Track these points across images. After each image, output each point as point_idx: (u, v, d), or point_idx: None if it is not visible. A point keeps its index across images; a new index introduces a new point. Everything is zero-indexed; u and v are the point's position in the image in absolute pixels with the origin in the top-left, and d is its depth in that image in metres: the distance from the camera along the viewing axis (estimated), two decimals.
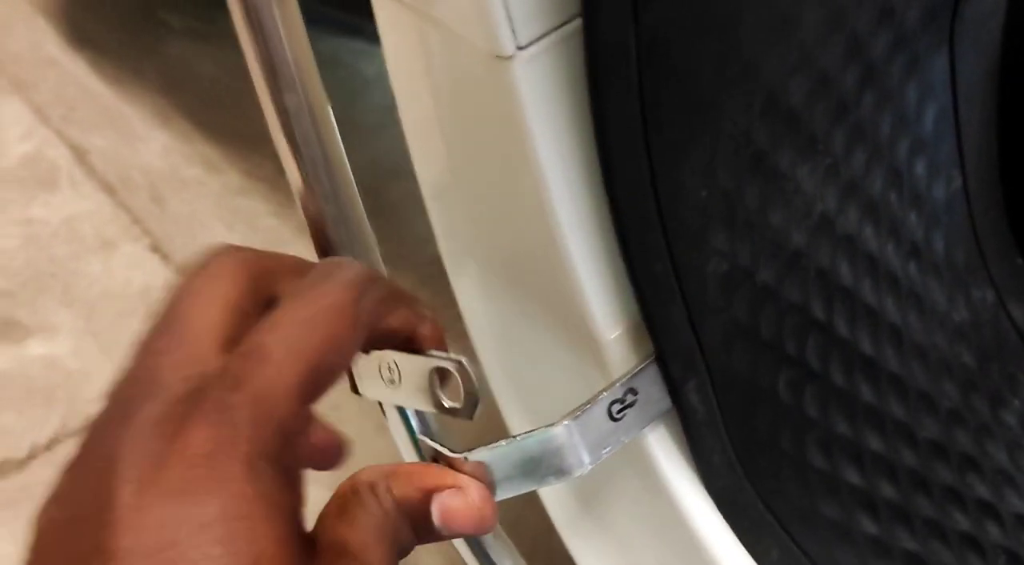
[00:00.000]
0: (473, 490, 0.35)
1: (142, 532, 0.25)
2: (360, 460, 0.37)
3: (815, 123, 0.39)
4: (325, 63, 0.39)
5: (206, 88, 1.15)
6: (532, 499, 0.52)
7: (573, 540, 0.54)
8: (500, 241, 0.44)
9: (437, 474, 0.36)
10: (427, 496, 0.35)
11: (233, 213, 1.05)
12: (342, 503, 0.33)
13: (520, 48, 0.32)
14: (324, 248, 0.41)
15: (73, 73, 1.16)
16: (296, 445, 0.29)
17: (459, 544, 0.49)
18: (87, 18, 1.22)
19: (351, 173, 0.40)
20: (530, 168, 0.36)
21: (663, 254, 0.37)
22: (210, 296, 0.31)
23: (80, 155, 1.09)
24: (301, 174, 0.40)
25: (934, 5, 0.41)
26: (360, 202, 0.41)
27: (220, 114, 1.12)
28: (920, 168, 0.46)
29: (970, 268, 0.52)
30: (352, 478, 0.34)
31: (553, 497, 0.52)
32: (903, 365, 0.49)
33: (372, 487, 0.34)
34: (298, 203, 0.41)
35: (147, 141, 1.11)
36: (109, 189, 1.07)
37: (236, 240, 1.03)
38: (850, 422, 0.47)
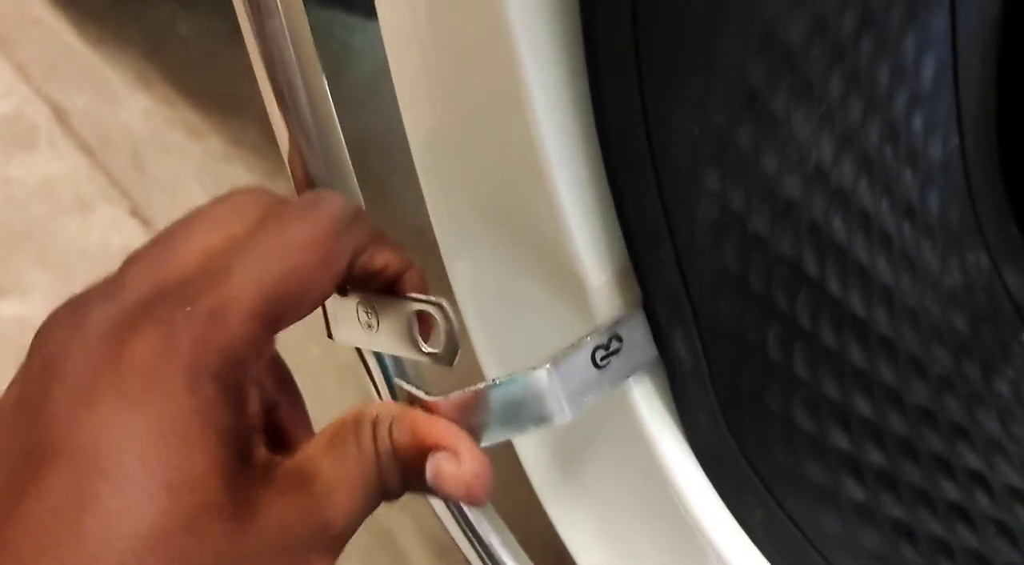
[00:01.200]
0: (467, 460, 0.34)
1: (76, 433, 0.24)
2: (322, 415, 0.36)
3: (811, 66, 0.38)
4: (313, 34, 0.38)
5: (190, 52, 1.13)
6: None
7: (554, 506, 0.53)
8: (489, 186, 0.42)
9: (440, 431, 0.35)
10: (424, 451, 0.33)
11: (215, 179, 1.03)
12: (338, 431, 0.32)
13: None
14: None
15: (56, 32, 1.14)
16: (251, 369, 0.28)
17: (443, 515, 0.48)
18: None
19: (340, 131, 0.39)
20: (520, 100, 0.34)
21: (652, 191, 0.36)
22: (212, 223, 0.31)
23: (60, 115, 1.07)
24: (289, 130, 0.38)
25: None
26: (348, 158, 0.40)
27: (203, 78, 1.09)
28: (917, 123, 0.45)
29: (965, 231, 0.51)
30: (359, 409, 0.33)
31: (534, 459, 0.51)
32: (894, 328, 0.48)
33: (375, 424, 0.33)
34: (285, 159, 0.40)
35: (128, 103, 1.09)
36: (88, 150, 1.05)
37: None
38: (839, 384, 0.46)
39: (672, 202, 0.36)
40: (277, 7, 0.36)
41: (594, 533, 0.51)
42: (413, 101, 0.41)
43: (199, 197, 1.05)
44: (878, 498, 0.48)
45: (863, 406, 0.47)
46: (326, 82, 0.39)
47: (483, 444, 0.38)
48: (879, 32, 0.40)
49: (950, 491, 0.50)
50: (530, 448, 0.51)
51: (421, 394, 0.38)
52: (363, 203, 0.41)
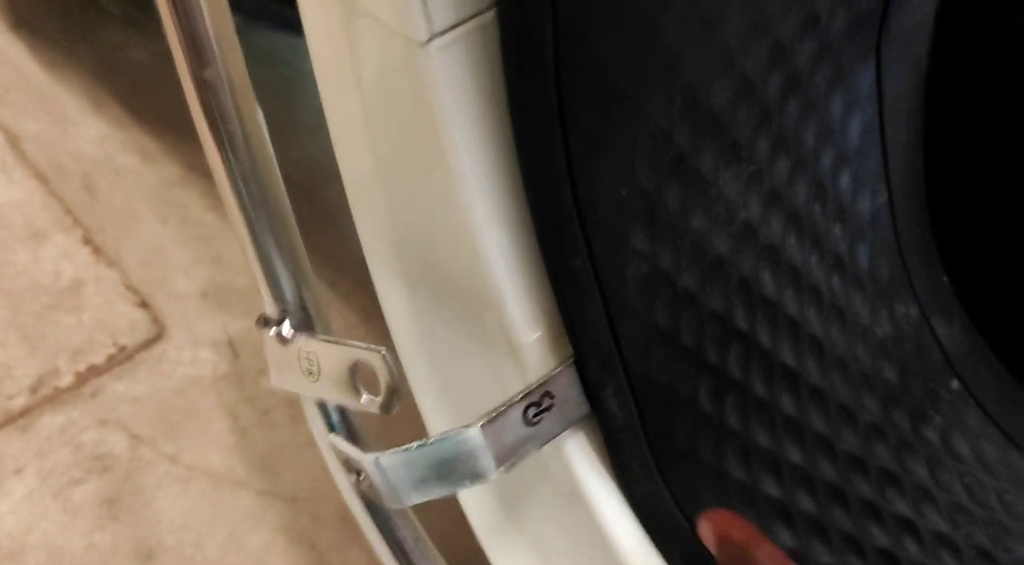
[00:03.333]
0: None
1: None
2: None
3: (738, 128, 0.39)
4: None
5: (143, 75, 1.12)
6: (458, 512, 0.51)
7: (494, 550, 0.53)
8: (421, 239, 0.43)
9: None
10: None
11: (168, 205, 1.03)
12: None
13: (436, 34, 0.31)
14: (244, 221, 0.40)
15: (9, 55, 1.13)
16: None
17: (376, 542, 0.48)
18: (25, 1, 1.19)
19: (272, 151, 0.39)
20: (446, 159, 0.35)
21: (581, 249, 0.36)
22: None
23: (13, 141, 1.06)
24: (221, 154, 0.39)
25: (860, 16, 0.41)
26: (280, 181, 0.40)
27: (157, 102, 1.09)
28: (845, 181, 0.46)
29: (894, 283, 0.52)
30: None
31: (473, 502, 0.51)
32: (824, 377, 0.49)
33: None
34: (218, 184, 0.40)
35: (81, 127, 1.08)
36: (41, 177, 1.04)
37: (170, 235, 1.01)
38: (770, 433, 0.47)
39: (601, 261, 0.37)
40: (215, 53, 0.37)
41: None
42: (347, 153, 0.42)
43: (151, 223, 1.05)
44: (809, 545, 0.49)
45: (794, 454, 0.48)
46: (263, 119, 0.39)
47: (419, 500, 0.39)
48: (805, 93, 0.41)
49: (880, 538, 0.51)
50: (471, 495, 0.51)
51: (353, 451, 0.39)
52: (298, 234, 0.41)
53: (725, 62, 0.36)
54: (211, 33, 0.36)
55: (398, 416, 0.49)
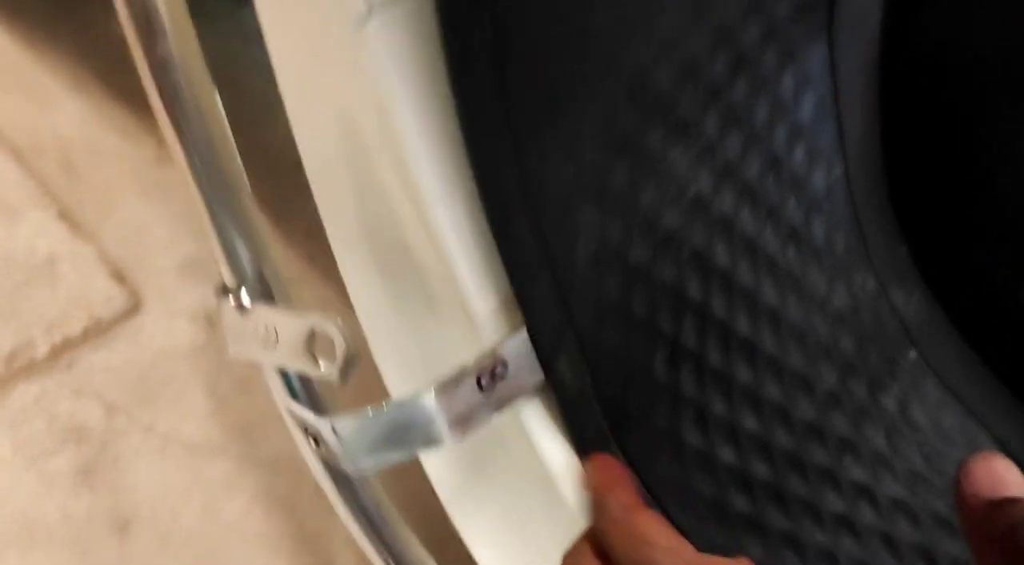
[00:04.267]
0: None
1: None
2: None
3: (685, 106, 0.40)
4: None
5: (124, 53, 1.12)
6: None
7: (458, 515, 0.54)
8: (377, 215, 0.43)
9: None
10: None
11: (148, 183, 1.03)
12: None
13: (373, 9, 0.32)
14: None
15: None
16: None
17: (341, 511, 0.49)
18: None
19: (227, 126, 0.40)
20: (394, 136, 0.36)
21: (529, 225, 0.37)
22: None
23: None
24: (176, 130, 0.39)
25: (805, 1, 0.42)
26: (237, 156, 0.40)
27: (138, 81, 1.09)
28: (799, 154, 0.47)
29: (851, 254, 0.53)
30: None
31: (435, 467, 0.52)
32: (780, 347, 0.50)
33: None
34: (175, 160, 0.41)
35: (60, 106, 1.08)
36: (17, 154, 1.04)
37: (151, 212, 1.02)
38: (726, 401, 0.48)
39: (550, 237, 0.38)
40: (165, 30, 0.37)
41: (494, 537, 0.53)
42: (306, 135, 0.42)
43: (131, 201, 1.05)
44: (765, 510, 0.50)
45: (750, 422, 0.50)
46: (219, 100, 0.39)
47: (375, 463, 0.40)
48: (754, 73, 0.42)
49: (836, 503, 0.52)
50: (433, 459, 0.52)
51: (311, 417, 0.40)
52: (256, 208, 0.42)
53: (666, 45, 0.37)
54: (162, 11, 0.36)
55: (376, 386, 0.50)
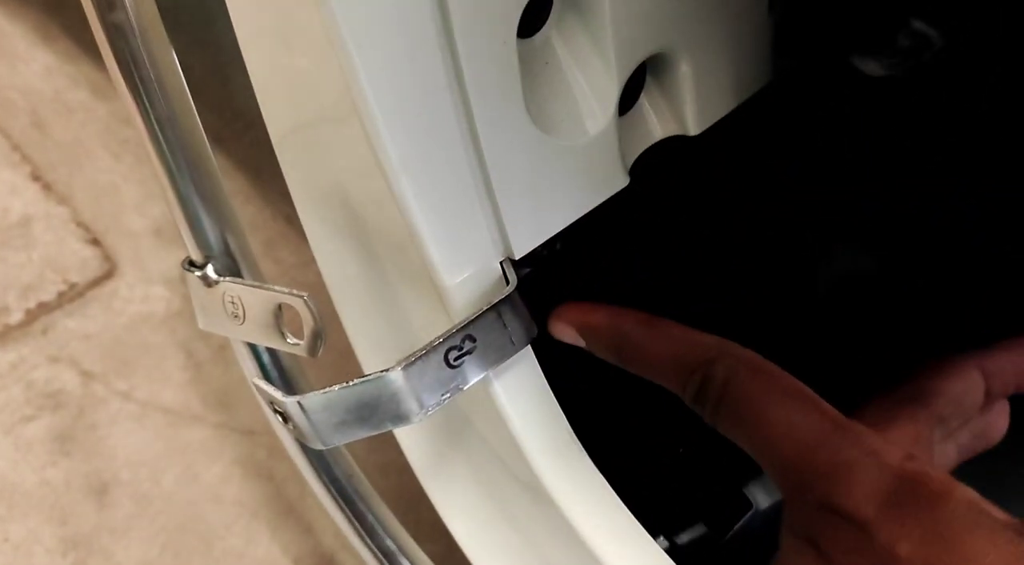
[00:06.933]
0: None
1: None
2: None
3: None
4: None
5: None
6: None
7: (431, 487, 0.54)
8: (345, 187, 0.43)
9: None
10: None
11: (120, 142, 1.01)
12: None
13: None
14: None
15: None
16: None
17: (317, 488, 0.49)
18: None
19: (188, 95, 0.39)
20: (359, 103, 0.34)
21: None
22: None
23: None
24: (135, 99, 0.38)
25: None
26: (199, 125, 0.40)
27: None
28: None
29: None
30: None
31: (408, 442, 0.52)
32: None
33: None
34: (137, 129, 0.40)
35: (29, 61, 1.06)
36: None
37: (123, 171, 1.00)
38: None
39: None
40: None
41: (466, 509, 0.53)
42: (269, 102, 0.41)
43: (104, 160, 1.04)
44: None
45: None
46: (177, 63, 0.38)
47: (343, 441, 0.40)
48: None
49: None
50: (406, 434, 0.52)
51: (278, 395, 0.39)
52: (221, 179, 0.41)
53: None
54: None
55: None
